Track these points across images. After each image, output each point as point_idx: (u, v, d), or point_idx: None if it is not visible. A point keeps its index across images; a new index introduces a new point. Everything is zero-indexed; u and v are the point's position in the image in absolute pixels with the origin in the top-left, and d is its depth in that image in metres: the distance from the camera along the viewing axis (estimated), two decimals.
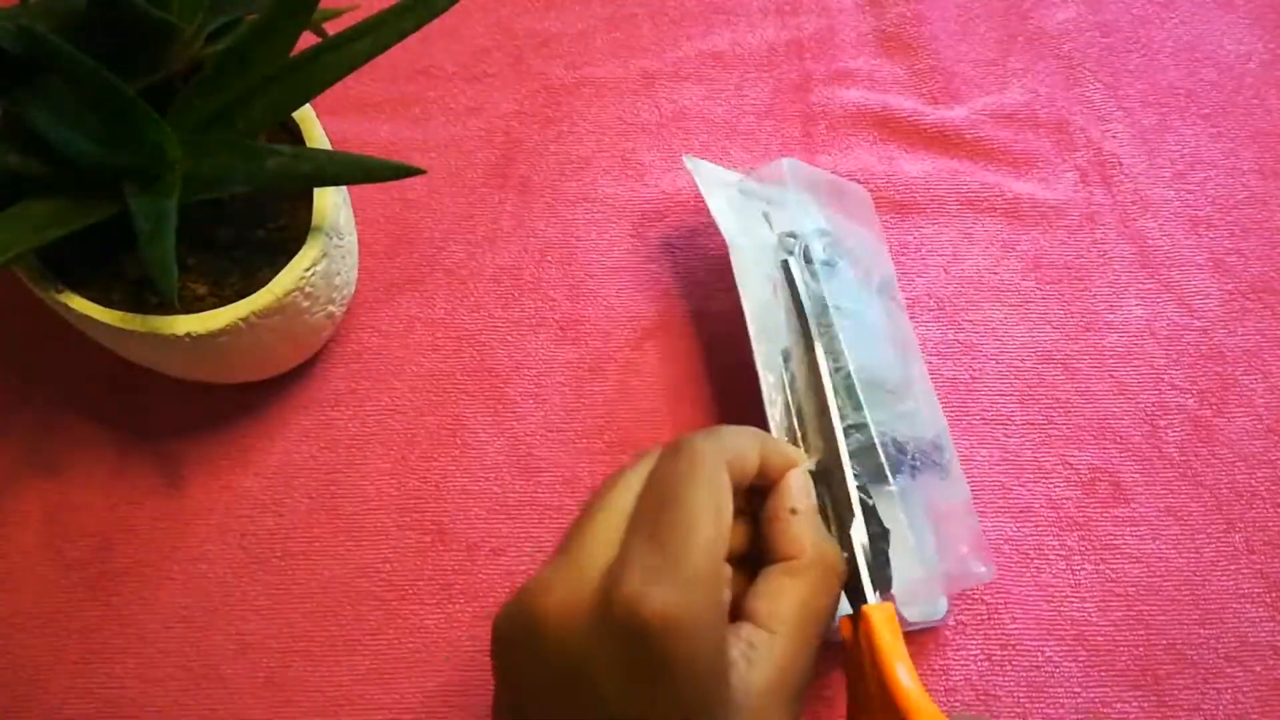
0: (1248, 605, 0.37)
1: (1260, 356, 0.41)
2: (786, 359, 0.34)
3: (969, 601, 0.36)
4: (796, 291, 0.34)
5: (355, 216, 0.38)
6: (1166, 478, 0.39)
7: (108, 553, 0.37)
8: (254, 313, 0.32)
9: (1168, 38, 0.48)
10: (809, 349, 0.33)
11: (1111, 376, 0.41)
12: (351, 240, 0.37)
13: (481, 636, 0.36)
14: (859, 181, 0.44)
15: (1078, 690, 0.35)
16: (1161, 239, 0.43)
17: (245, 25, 0.32)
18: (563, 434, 0.39)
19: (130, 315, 0.32)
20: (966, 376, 0.40)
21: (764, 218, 0.38)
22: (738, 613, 0.26)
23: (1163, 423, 0.40)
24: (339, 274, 0.36)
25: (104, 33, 0.30)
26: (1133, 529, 0.38)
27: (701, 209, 0.43)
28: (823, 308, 0.34)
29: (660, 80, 0.46)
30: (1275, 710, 0.35)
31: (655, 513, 0.25)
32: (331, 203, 0.34)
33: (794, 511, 0.28)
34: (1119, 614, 0.36)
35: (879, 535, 0.29)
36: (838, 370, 0.32)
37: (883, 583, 0.28)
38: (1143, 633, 0.36)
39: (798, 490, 0.28)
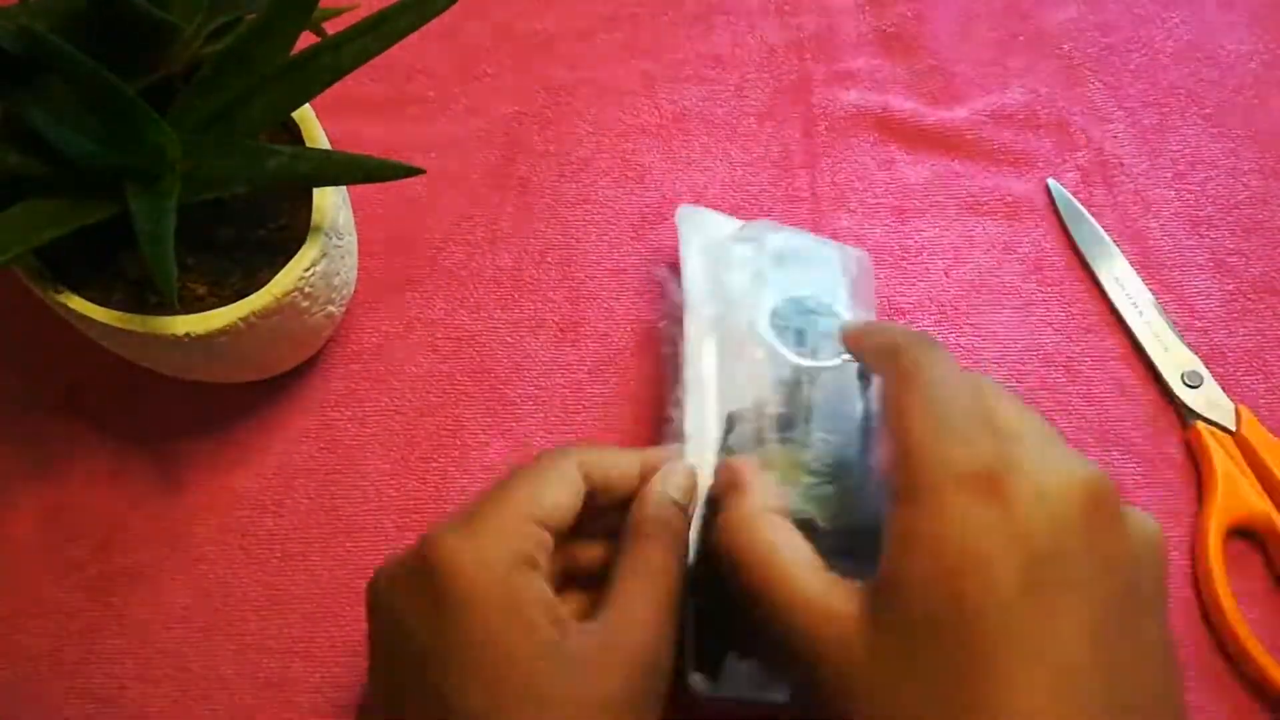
0: (1252, 607, 0.36)
1: (1262, 356, 0.41)
2: (731, 425, 0.33)
3: None
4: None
5: (355, 217, 0.38)
6: (1168, 479, 0.39)
7: (107, 553, 0.37)
8: (253, 313, 0.32)
9: (1168, 38, 0.48)
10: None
11: (1113, 378, 0.40)
12: (351, 240, 0.37)
13: None
14: (858, 188, 0.44)
15: None
16: (1163, 239, 0.43)
17: (245, 25, 0.32)
18: (562, 435, 0.39)
19: (130, 315, 0.32)
20: None
21: (757, 276, 0.36)
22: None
23: (1164, 424, 0.40)
24: (338, 274, 0.36)
25: (104, 33, 0.30)
26: None
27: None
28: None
29: (660, 81, 0.46)
30: None
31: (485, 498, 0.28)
32: (331, 203, 0.34)
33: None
34: None
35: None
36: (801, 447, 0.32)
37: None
38: None
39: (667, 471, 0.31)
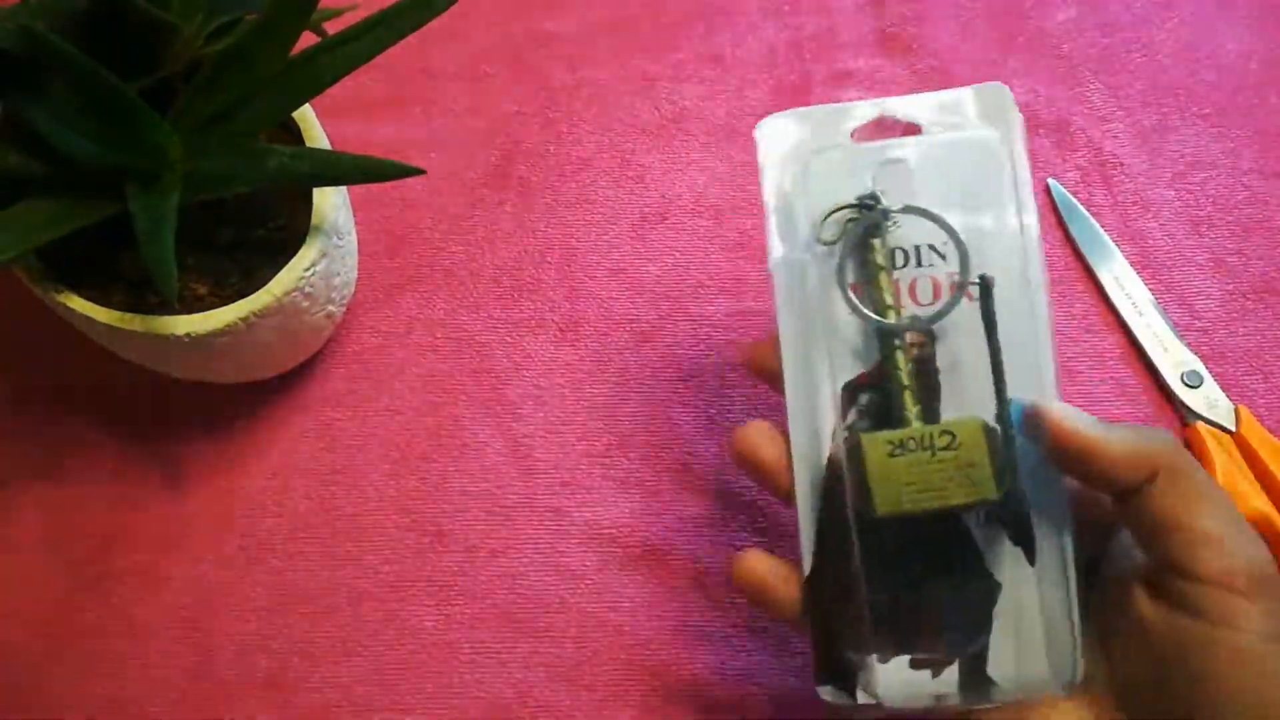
0: None
1: (1261, 357, 0.41)
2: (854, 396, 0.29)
3: None
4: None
5: (355, 217, 0.38)
6: None
7: (108, 553, 0.37)
8: (253, 313, 0.32)
9: (1168, 38, 0.48)
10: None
11: (1113, 379, 0.40)
12: (351, 240, 0.37)
13: (481, 638, 0.36)
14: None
15: None
16: (1163, 239, 0.43)
17: (245, 25, 0.32)
18: (562, 436, 0.39)
19: (130, 315, 0.32)
20: None
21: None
22: None
23: (1164, 424, 0.40)
24: (338, 274, 0.36)
25: (104, 33, 0.30)
26: None
27: (703, 210, 0.43)
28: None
29: (660, 81, 0.46)
30: None
31: None
32: (331, 203, 0.34)
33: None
34: None
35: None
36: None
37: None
38: None
39: None
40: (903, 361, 0.28)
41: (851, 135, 0.30)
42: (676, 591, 0.37)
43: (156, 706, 0.35)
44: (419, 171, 0.32)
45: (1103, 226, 0.43)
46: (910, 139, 0.30)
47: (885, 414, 0.28)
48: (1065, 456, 0.27)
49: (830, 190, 0.29)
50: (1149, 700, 0.26)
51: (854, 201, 0.29)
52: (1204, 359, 0.40)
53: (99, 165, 0.31)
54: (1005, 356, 0.28)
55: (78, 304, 0.32)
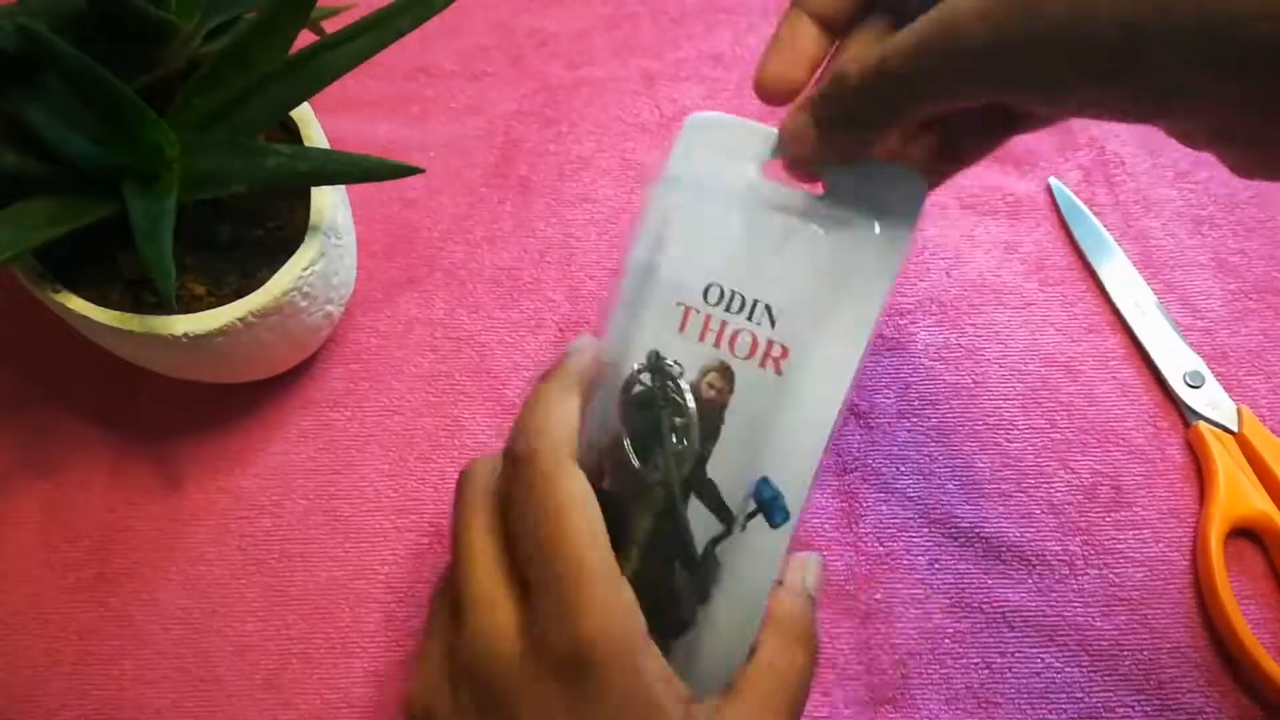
0: (1252, 607, 0.36)
1: (1264, 357, 0.41)
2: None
3: (967, 609, 0.36)
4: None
5: (353, 216, 0.38)
6: (1170, 479, 0.39)
7: (105, 554, 0.37)
8: (252, 313, 0.32)
9: None
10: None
11: (1115, 379, 0.40)
12: (350, 240, 0.37)
13: None
14: None
15: (1080, 696, 0.35)
16: (1164, 239, 0.43)
17: (243, 24, 0.32)
18: None
19: (128, 315, 0.32)
20: (969, 381, 0.40)
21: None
22: None
23: (1165, 424, 0.40)
24: (337, 274, 0.36)
25: (103, 32, 0.30)
26: (1135, 533, 0.38)
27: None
28: None
29: (660, 80, 0.46)
30: None
31: (534, 561, 0.25)
32: (330, 202, 0.34)
33: (779, 583, 0.28)
34: (1122, 618, 0.36)
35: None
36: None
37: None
38: (1146, 636, 0.36)
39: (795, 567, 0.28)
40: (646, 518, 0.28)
41: (763, 164, 0.29)
42: None
43: (155, 707, 0.35)
44: (418, 171, 0.32)
45: (1105, 226, 0.43)
46: (798, 203, 0.28)
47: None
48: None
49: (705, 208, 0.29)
50: None
51: (645, 363, 0.28)
52: (1206, 359, 0.40)
53: (97, 165, 0.31)
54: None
55: (76, 304, 0.32)
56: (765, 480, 0.27)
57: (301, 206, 0.34)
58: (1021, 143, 0.45)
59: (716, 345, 0.28)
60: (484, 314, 0.41)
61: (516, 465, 0.26)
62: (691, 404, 0.27)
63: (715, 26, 0.47)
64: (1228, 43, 0.19)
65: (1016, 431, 0.39)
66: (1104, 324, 0.41)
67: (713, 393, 0.28)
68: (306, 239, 0.33)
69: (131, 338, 0.32)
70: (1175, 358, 0.40)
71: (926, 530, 0.37)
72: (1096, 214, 0.43)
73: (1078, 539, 0.37)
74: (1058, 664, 0.35)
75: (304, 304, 0.34)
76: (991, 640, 0.36)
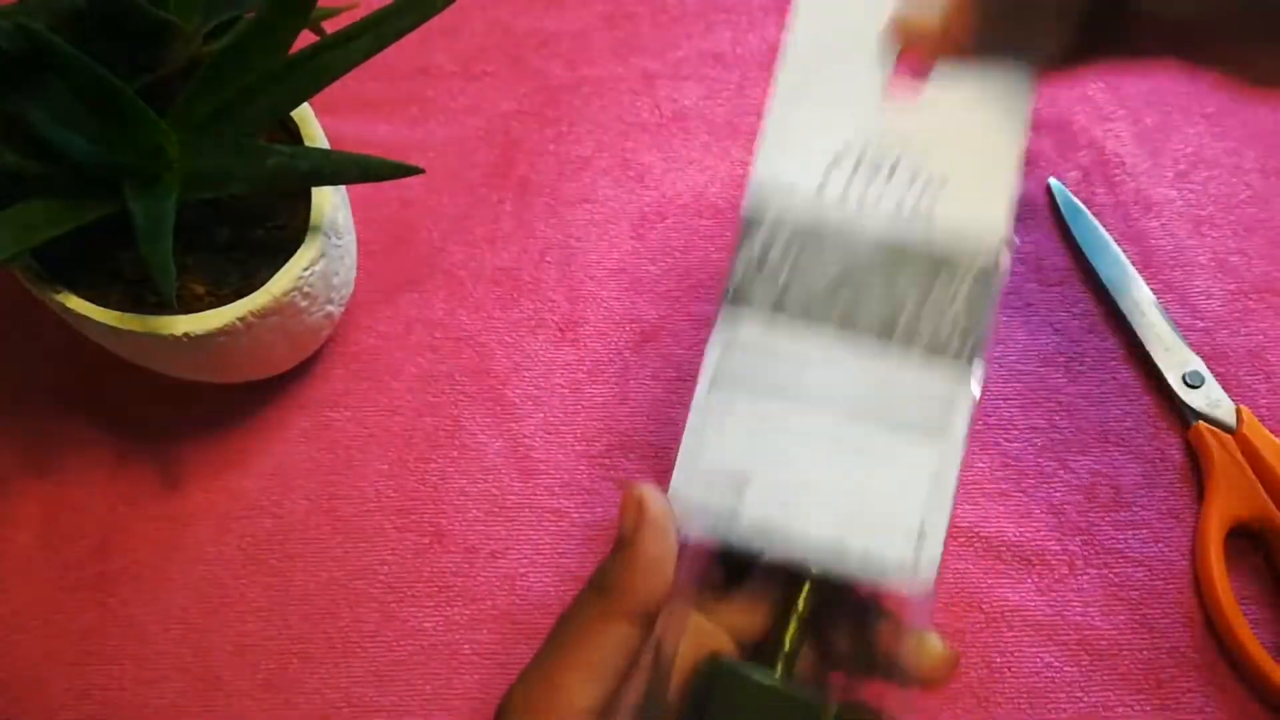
0: (1252, 607, 0.36)
1: (1263, 357, 0.41)
2: None
3: (966, 609, 0.36)
4: None
5: (354, 216, 0.38)
6: (1169, 479, 0.39)
7: (106, 554, 0.37)
8: (252, 313, 0.32)
9: None
10: None
11: (1114, 379, 0.40)
12: (350, 240, 0.37)
13: (480, 640, 0.36)
14: None
15: (1079, 695, 0.35)
16: (1164, 239, 0.43)
17: (244, 24, 0.32)
18: (561, 436, 0.39)
19: (128, 315, 0.32)
20: None
21: None
22: None
23: (1165, 424, 0.40)
24: (337, 274, 0.36)
25: (103, 32, 0.30)
26: (1135, 532, 0.38)
27: (704, 209, 0.43)
28: None
29: (660, 80, 0.46)
30: None
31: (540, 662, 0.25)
32: (330, 202, 0.34)
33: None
34: (1122, 618, 0.36)
35: None
36: None
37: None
38: (1146, 636, 0.36)
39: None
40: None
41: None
42: None
43: (156, 706, 0.35)
44: (418, 171, 0.32)
45: (1104, 226, 0.43)
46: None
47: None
48: None
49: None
50: None
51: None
52: (1205, 359, 0.40)
53: (97, 165, 0.31)
54: None
55: (76, 304, 0.32)
56: None
57: (302, 207, 0.34)
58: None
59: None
60: (484, 314, 0.41)
61: None
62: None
63: (715, 26, 0.47)
64: None
65: (1016, 431, 0.39)
66: (1103, 324, 0.41)
67: None
68: (307, 239, 0.33)
69: (132, 338, 0.32)
70: (1175, 357, 0.40)
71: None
72: (1096, 214, 0.43)
73: (1077, 539, 0.37)
74: (1057, 663, 0.36)
75: (304, 304, 0.34)
76: (991, 639, 0.36)
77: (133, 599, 0.36)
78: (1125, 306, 0.41)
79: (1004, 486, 0.38)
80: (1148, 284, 0.42)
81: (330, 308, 0.36)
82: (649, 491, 0.26)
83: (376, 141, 0.44)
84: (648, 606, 0.25)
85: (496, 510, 0.38)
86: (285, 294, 0.33)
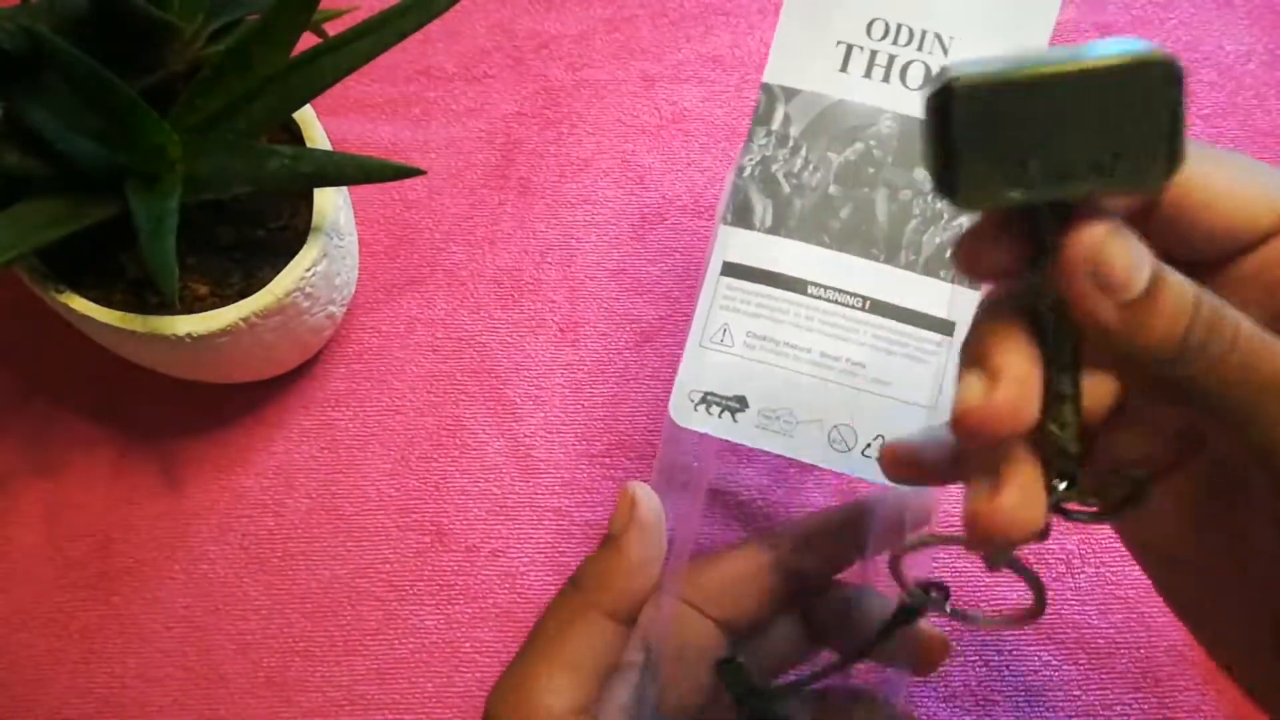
0: None
1: None
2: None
3: (963, 608, 0.36)
4: None
5: (355, 217, 0.38)
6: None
7: (108, 552, 0.37)
8: (254, 313, 0.32)
9: (1167, 38, 0.48)
10: None
11: None
12: (352, 241, 0.37)
13: (481, 638, 0.36)
14: None
15: (1077, 694, 0.35)
16: None
17: (246, 26, 0.32)
18: (562, 436, 0.39)
19: (130, 315, 0.32)
20: None
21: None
22: None
23: None
24: (339, 274, 0.36)
25: (105, 33, 0.30)
26: None
27: (703, 210, 0.43)
28: None
29: (660, 82, 0.46)
30: None
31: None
32: (332, 203, 0.34)
33: None
34: (1119, 616, 0.36)
35: None
36: None
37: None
38: (1144, 634, 0.36)
39: None
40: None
41: None
42: None
43: (156, 706, 0.35)
44: (419, 172, 0.32)
45: None
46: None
47: None
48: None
49: None
50: None
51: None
52: None
53: (99, 165, 0.31)
54: None
55: (78, 304, 0.32)
56: None
57: (304, 207, 0.34)
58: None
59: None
60: (485, 314, 0.41)
61: None
62: None
63: (714, 29, 0.48)
64: None
65: None
66: None
67: None
68: (309, 240, 0.33)
69: (134, 338, 0.32)
70: None
71: (926, 529, 0.37)
72: None
73: (1075, 537, 0.38)
74: (1055, 662, 0.36)
75: (306, 304, 0.34)
76: (989, 638, 0.36)
77: (135, 597, 0.36)
78: None
79: None
80: None
81: (332, 308, 0.36)
82: (641, 491, 0.26)
83: (378, 143, 0.44)
84: (629, 604, 0.25)
85: (497, 509, 0.38)
86: (288, 294, 0.33)
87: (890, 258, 0.27)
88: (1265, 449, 0.18)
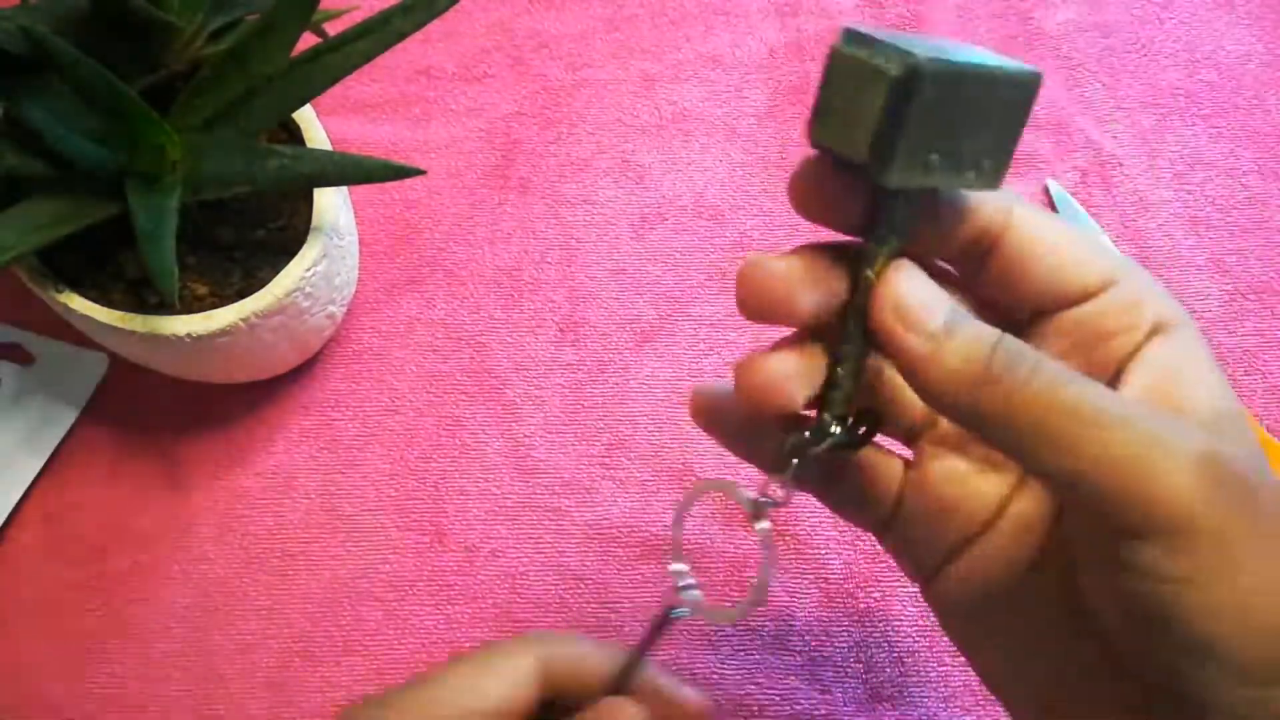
0: None
1: (1260, 357, 0.41)
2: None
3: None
4: None
5: (355, 217, 0.38)
6: None
7: (107, 553, 0.37)
8: (254, 313, 0.32)
9: (1168, 38, 0.48)
10: None
11: None
12: (352, 241, 0.37)
13: (481, 638, 0.36)
14: None
15: None
16: (1161, 239, 0.43)
17: (246, 25, 0.32)
18: (562, 436, 0.39)
19: (130, 315, 0.32)
20: None
21: None
22: None
23: None
24: (339, 274, 0.36)
25: (104, 33, 0.30)
26: None
27: (703, 210, 0.43)
28: None
29: (660, 82, 0.46)
30: None
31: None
32: (332, 203, 0.34)
33: None
34: None
35: None
36: None
37: None
38: None
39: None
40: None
41: None
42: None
43: (156, 706, 0.35)
44: (419, 172, 0.32)
45: (1102, 226, 0.43)
46: None
47: None
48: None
49: None
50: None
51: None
52: None
53: (99, 165, 0.31)
54: None
55: (79, 304, 0.32)
56: None
57: (304, 207, 0.34)
58: (1019, 143, 0.45)
59: None
60: (485, 314, 0.41)
61: None
62: None
63: (714, 28, 0.48)
64: None
65: None
66: None
67: None
68: (309, 240, 0.33)
69: (134, 338, 0.32)
70: None
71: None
72: (1093, 215, 0.44)
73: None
74: None
75: (306, 304, 0.34)
76: None
77: (135, 598, 0.36)
78: None
79: None
80: None
81: (332, 308, 0.36)
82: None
83: (378, 143, 0.44)
84: None
85: (497, 509, 0.38)
86: (287, 294, 0.33)
87: None
88: (1063, 471, 0.18)
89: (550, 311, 0.41)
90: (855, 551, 0.37)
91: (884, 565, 0.37)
